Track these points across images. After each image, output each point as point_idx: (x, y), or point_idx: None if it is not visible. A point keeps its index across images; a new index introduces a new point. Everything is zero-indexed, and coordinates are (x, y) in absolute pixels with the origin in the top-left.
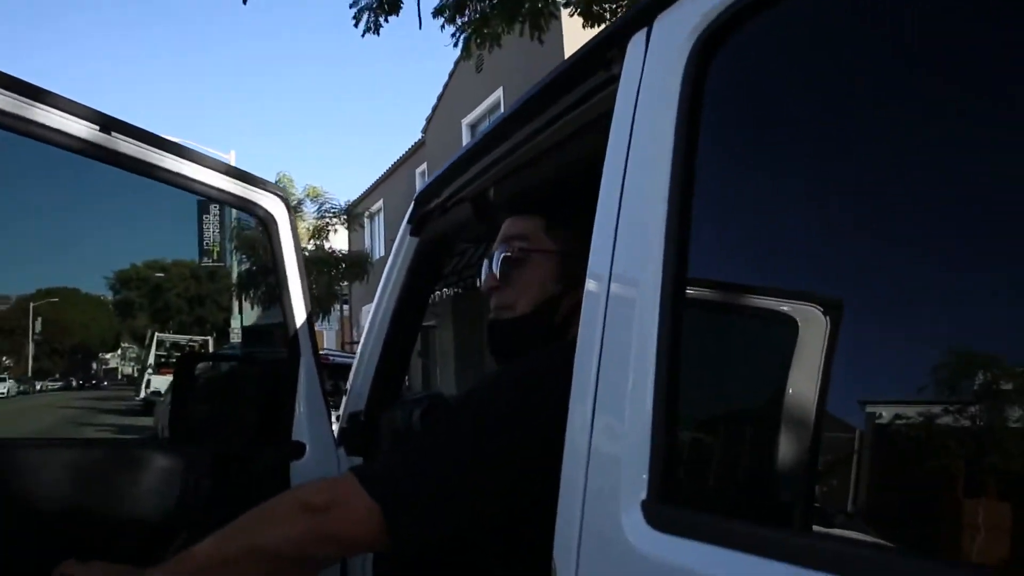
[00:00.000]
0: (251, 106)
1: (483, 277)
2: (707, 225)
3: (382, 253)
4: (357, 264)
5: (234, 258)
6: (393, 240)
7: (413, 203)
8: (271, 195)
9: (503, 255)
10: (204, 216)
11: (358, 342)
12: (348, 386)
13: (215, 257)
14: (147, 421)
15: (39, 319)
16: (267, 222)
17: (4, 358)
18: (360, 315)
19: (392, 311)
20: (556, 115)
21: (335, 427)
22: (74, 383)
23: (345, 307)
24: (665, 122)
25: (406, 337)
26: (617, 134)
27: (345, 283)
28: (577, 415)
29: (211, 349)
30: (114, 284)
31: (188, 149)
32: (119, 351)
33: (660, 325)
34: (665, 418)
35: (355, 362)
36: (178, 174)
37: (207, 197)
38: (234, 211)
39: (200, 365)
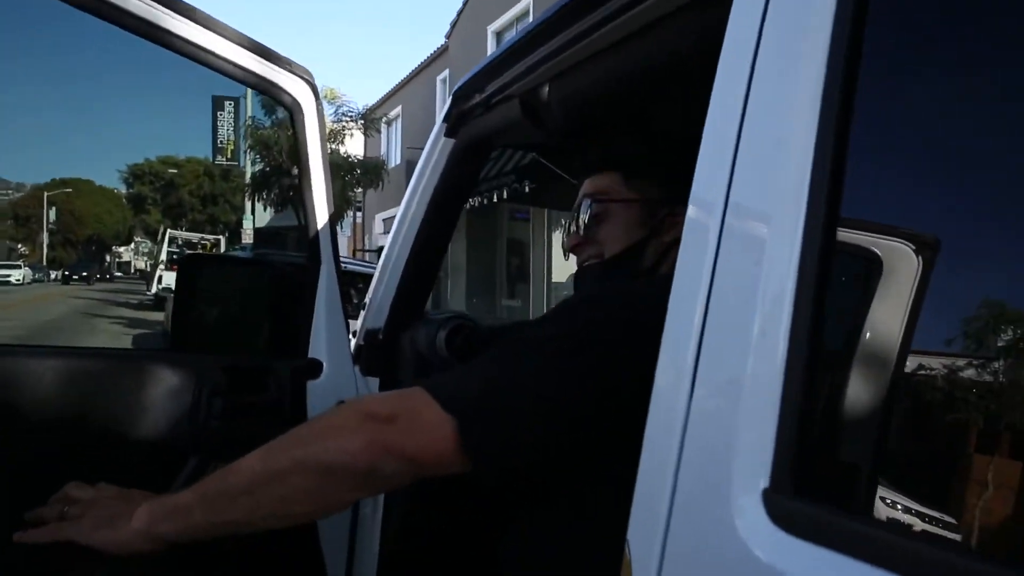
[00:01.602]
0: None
1: (565, 239)
2: (868, 154)
3: (398, 160)
4: (372, 170)
5: (248, 158)
6: (411, 147)
7: (451, 98)
8: (298, 79)
9: (585, 211)
10: (218, 113)
11: (370, 250)
12: (367, 299)
13: (229, 156)
14: (158, 316)
15: (53, 208)
16: (292, 109)
17: (20, 245)
18: (373, 223)
19: (420, 219)
20: None
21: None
22: (86, 275)
23: (358, 214)
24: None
25: (434, 250)
26: (741, 17)
27: (359, 189)
28: (668, 370)
29: (223, 249)
30: (127, 178)
31: (205, 15)
32: (132, 245)
33: (801, 268)
34: (802, 380)
35: (376, 273)
36: (191, 43)
37: (224, 73)
38: (249, 109)
39: (209, 267)
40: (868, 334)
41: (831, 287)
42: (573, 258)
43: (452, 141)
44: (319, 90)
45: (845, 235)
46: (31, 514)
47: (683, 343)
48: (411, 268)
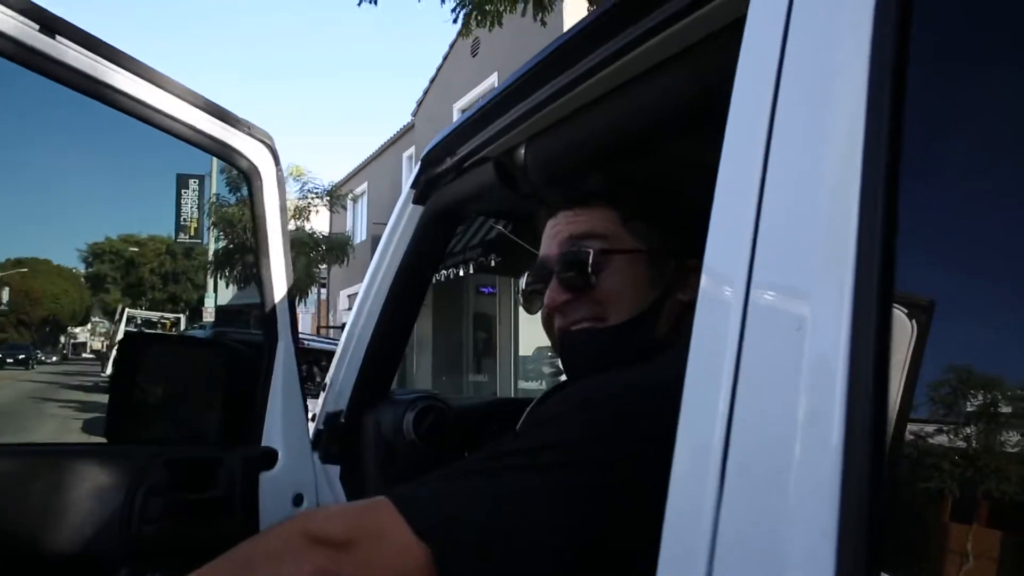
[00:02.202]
0: (231, 78)
1: (530, 289)
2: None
3: (364, 236)
4: (338, 247)
5: (211, 235)
6: (376, 223)
7: (419, 163)
8: (258, 142)
9: (576, 259)
10: (182, 191)
11: (335, 326)
12: (328, 380)
13: (192, 233)
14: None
15: (7, 289)
16: (250, 174)
17: None
18: (338, 299)
19: (386, 293)
20: (626, 44)
21: (310, 428)
22: (23, 359)
23: (323, 290)
24: (854, 42)
25: (401, 324)
26: (752, 61)
27: (324, 266)
28: (688, 471)
29: (182, 327)
30: (87, 256)
31: (157, 73)
32: (89, 325)
33: (853, 343)
34: (867, 472)
35: (338, 351)
36: (143, 103)
37: (178, 136)
38: (213, 187)
39: (153, 349)
40: (942, 410)
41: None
42: (537, 330)
43: (420, 209)
44: (286, 167)
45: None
46: None
47: (704, 437)
48: (376, 345)
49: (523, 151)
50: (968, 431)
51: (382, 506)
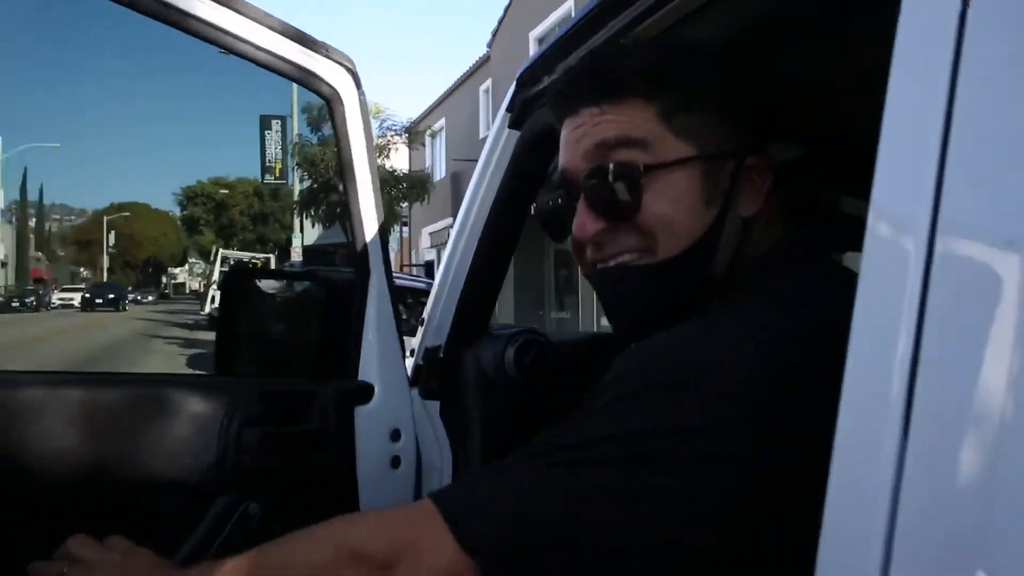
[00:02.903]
0: (306, 14)
1: (551, 208)
2: None
3: (443, 173)
4: (418, 184)
5: (296, 176)
6: (456, 159)
7: (515, 85)
8: (338, 65)
9: (608, 179)
10: (266, 132)
11: (418, 264)
12: (425, 315)
13: (277, 175)
14: (212, 336)
15: (112, 232)
16: (331, 100)
17: (83, 269)
18: (420, 237)
19: (483, 224)
20: None
21: (408, 363)
22: (112, 299)
23: (405, 229)
24: None
25: (500, 256)
26: None
27: (405, 204)
28: (859, 446)
29: (272, 267)
30: (181, 200)
31: None
32: (187, 266)
33: None
34: None
35: (435, 286)
36: (220, 28)
37: (257, 62)
38: (295, 127)
39: (253, 284)
40: None
41: None
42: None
43: (517, 133)
44: (361, 81)
45: None
46: (31, 567)
47: (882, 412)
48: (474, 278)
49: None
50: None
51: (425, 511)
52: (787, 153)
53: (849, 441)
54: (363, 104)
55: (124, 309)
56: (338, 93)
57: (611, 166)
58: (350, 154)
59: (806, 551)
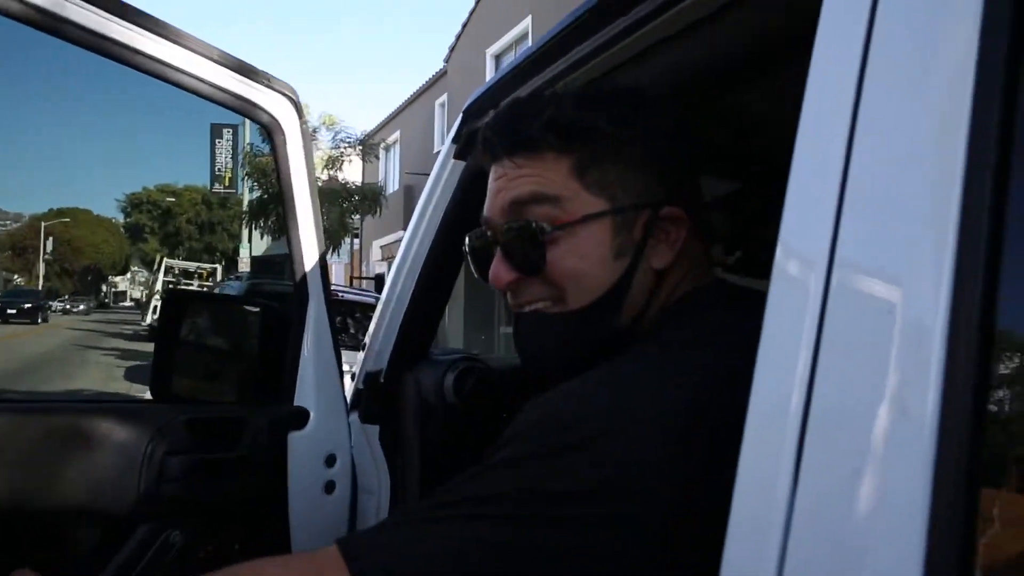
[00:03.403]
0: (263, 27)
1: (476, 249)
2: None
3: (397, 186)
4: (371, 197)
5: (246, 185)
6: (409, 172)
7: (461, 116)
8: (278, 95)
9: (521, 236)
10: (216, 140)
11: (368, 277)
12: (367, 339)
13: (226, 184)
14: (152, 347)
15: (50, 239)
16: (272, 129)
17: (16, 276)
18: (371, 250)
19: (427, 251)
20: None
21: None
22: (82, 307)
23: (356, 241)
24: None
25: (442, 283)
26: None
27: (357, 216)
28: (758, 465)
29: (219, 277)
30: (125, 207)
31: (168, 27)
32: (128, 274)
33: (952, 330)
34: (963, 476)
35: (377, 311)
36: (155, 59)
37: (195, 93)
38: (247, 136)
39: (192, 307)
40: None
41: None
42: None
43: (463, 163)
44: (319, 116)
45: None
46: None
47: (780, 423)
48: (416, 303)
49: None
50: None
51: (330, 560)
52: (722, 190)
53: (747, 481)
54: (304, 132)
55: (44, 320)
56: (278, 122)
57: (523, 224)
58: (290, 182)
59: None
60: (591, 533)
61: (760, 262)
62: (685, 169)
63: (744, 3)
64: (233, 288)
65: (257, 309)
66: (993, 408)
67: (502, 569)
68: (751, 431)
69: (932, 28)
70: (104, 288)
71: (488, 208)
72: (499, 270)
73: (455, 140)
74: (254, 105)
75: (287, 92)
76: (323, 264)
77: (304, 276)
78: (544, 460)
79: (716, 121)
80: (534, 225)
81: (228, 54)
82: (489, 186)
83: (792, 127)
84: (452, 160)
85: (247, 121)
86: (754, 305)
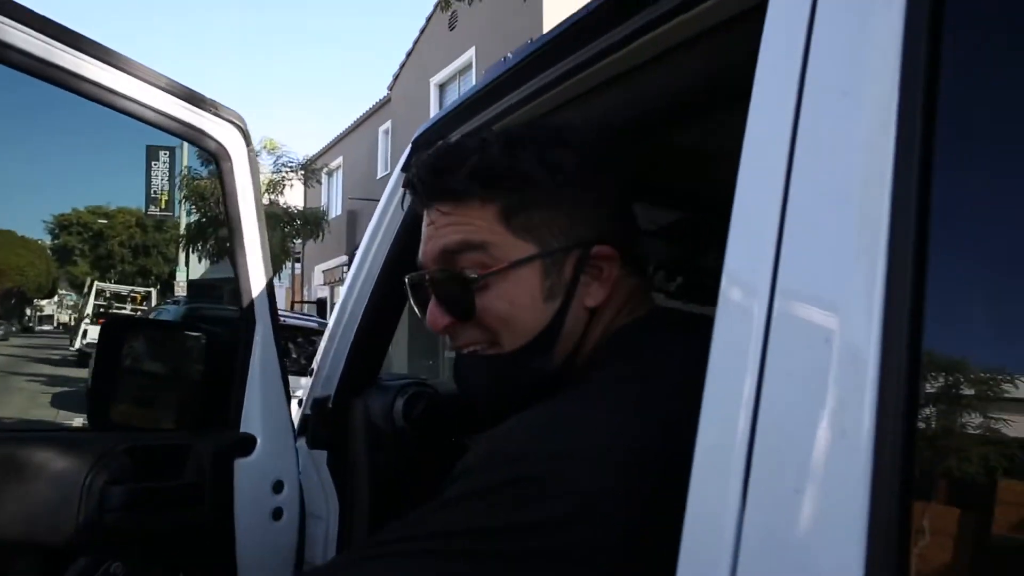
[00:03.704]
0: (203, 48)
1: (420, 292)
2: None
3: (339, 211)
4: (312, 221)
5: (183, 208)
6: (352, 198)
7: (410, 146)
8: (226, 123)
9: (450, 285)
10: (153, 163)
11: (309, 301)
12: (315, 366)
13: (163, 206)
14: (82, 372)
15: None
16: (219, 157)
17: None
18: (313, 274)
19: (376, 277)
20: (628, 35)
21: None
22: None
23: (297, 265)
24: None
25: (391, 309)
26: (775, 48)
27: (299, 240)
28: (708, 487)
29: (154, 302)
30: (53, 229)
31: (114, 53)
32: (56, 298)
33: (884, 355)
34: (900, 483)
35: (325, 337)
36: (101, 86)
37: (141, 119)
38: (184, 159)
39: (132, 334)
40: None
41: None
42: None
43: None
44: (260, 140)
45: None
46: None
47: (727, 445)
48: (365, 330)
49: None
50: (1007, 442)
51: None
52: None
53: (701, 505)
54: (252, 160)
55: None
56: (226, 150)
57: (451, 273)
58: (237, 210)
59: None
60: (545, 565)
61: (702, 287)
62: (616, 206)
63: (686, 48)
64: (170, 312)
65: (201, 335)
66: (923, 426)
67: None
68: (701, 452)
69: (857, 74)
70: (28, 312)
71: (422, 253)
72: (434, 315)
73: (404, 169)
74: (202, 133)
75: (235, 120)
76: (270, 289)
77: (252, 301)
78: (494, 494)
79: (657, 157)
80: (463, 274)
81: (175, 82)
82: (422, 231)
83: (732, 162)
84: (401, 189)
85: (184, 144)
86: (689, 331)
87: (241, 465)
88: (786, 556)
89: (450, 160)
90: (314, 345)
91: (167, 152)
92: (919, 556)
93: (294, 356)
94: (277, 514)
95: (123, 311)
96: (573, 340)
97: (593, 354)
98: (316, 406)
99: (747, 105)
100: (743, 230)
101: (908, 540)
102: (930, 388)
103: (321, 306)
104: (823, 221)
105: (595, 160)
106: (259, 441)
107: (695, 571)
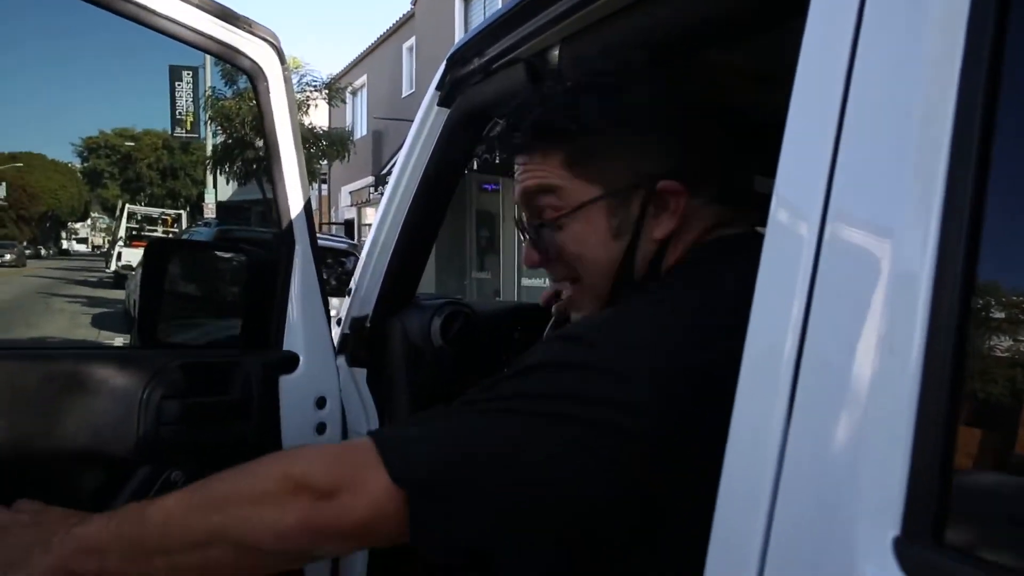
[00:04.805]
0: None
1: (522, 243)
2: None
3: (364, 131)
4: (338, 142)
5: (209, 130)
6: (377, 118)
7: (445, 63)
8: (260, 41)
9: (531, 226)
10: (176, 84)
11: (336, 223)
12: (352, 285)
13: (188, 128)
14: (119, 294)
15: (3, 184)
16: (254, 76)
17: None
18: (340, 195)
19: (412, 197)
20: None
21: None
22: (43, 252)
23: (324, 187)
24: None
25: (427, 229)
26: None
27: (324, 162)
28: (755, 398)
29: (184, 224)
30: (82, 151)
31: None
32: (89, 220)
33: (940, 255)
34: (944, 400)
35: (362, 258)
36: (136, 3)
37: (173, 36)
38: (208, 79)
39: (177, 254)
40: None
41: (980, 285)
42: None
43: (446, 111)
44: (284, 55)
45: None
46: None
47: (775, 360)
48: (401, 250)
49: (557, 52)
50: None
51: (364, 449)
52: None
53: (748, 404)
54: (287, 79)
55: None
56: (261, 68)
57: (533, 215)
58: (274, 129)
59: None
60: (612, 435)
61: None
62: (685, 138)
63: None
64: (202, 235)
65: (243, 255)
66: (972, 347)
67: (535, 460)
68: (748, 365)
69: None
70: (64, 234)
71: (515, 195)
72: (528, 253)
73: (439, 87)
74: (236, 51)
75: (269, 38)
76: (308, 209)
77: (290, 222)
78: (568, 369)
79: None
80: (541, 216)
81: (212, 1)
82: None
83: (784, 83)
84: (436, 107)
85: (207, 63)
86: (745, 254)
87: (285, 381)
88: (829, 471)
89: (516, 116)
90: (344, 266)
91: (190, 72)
92: (961, 474)
93: (324, 277)
94: (321, 428)
95: (155, 233)
96: (642, 272)
97: (664, 278)
98: (355, 325)
99: (803, 22)
100: (795, 152)
101: (952, 457)
102: (981, 310)
103: (349, 227)
104: (880, 141)
105: (657, 98)
106: (301, 359)
107: (738, 481)
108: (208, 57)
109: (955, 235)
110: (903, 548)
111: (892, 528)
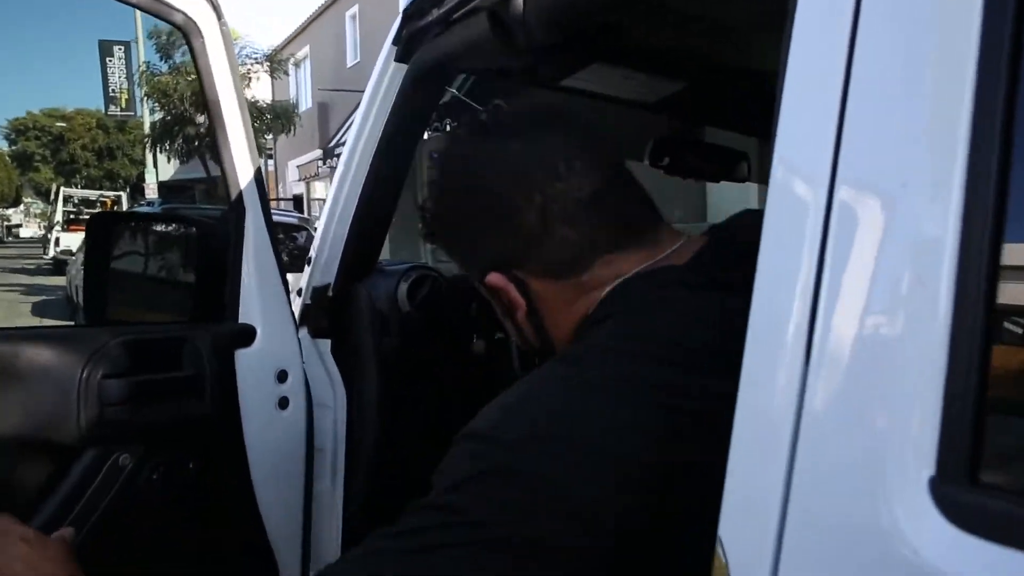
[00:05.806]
0: None
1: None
2: None
3: (309, 104)
4: (283, 115)
5: (145, 107)
6: (322, 89)
7: (400, 17)
8: None
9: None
10: (107, 59)
11: (285, 199)
12: (312, 254)
13: (123, 106)
14: (59, 280)
15: None
16: (189, 32)
17: None
18: (287, 170)
19: (371, 160)
20: None
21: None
22: None
23: (270, 162)
24: None
25: (389, 192)
26: None
27: (269, 136)
28: (765, 328)
29: (124, 206)
30: (9, 134)
31: None
32: (22, 206)
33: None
34: (978, 336)
35: (320, 225)
36: None
37: None
38: (141, 54)
39: (120, 228)
40: None
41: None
42: None
43: (404, 67)
44: (221, 8)
45: None
46: None
47: (789, 287)
48: (362, 214)
49: (521, 1)
50: None
51: None
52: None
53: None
54: (226, 35)
55: None
56: (195, 23)
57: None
58: (215, 89)
59: None
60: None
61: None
62: (496, 230)
63: None
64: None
65: (192, 226)
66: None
67: None
68: (756, 318)
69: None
70: None
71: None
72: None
73: (395, 42)
74: (167, 5)
75: None
76: (258, 175)
77: (240, 190)
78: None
79: (655, 17)
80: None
81: None
82: None
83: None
84: (394, 64)
85: (140, 36)
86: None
87: (242, 355)
88: (854, 413)
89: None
90: (296, 241)
91: (122, 47)
92: (997, 412)
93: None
94: (283, 403)
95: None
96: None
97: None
98: (316, 295)
99: None
100: (797, 107)
101: (986, 395)
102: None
103: (298, 202)
104: (895, 95)
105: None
106: (259, 331)
107: (754, 435)
108: (139, 28)
109: (982, 199)
110: (938, 488)
111: (927, 468)
